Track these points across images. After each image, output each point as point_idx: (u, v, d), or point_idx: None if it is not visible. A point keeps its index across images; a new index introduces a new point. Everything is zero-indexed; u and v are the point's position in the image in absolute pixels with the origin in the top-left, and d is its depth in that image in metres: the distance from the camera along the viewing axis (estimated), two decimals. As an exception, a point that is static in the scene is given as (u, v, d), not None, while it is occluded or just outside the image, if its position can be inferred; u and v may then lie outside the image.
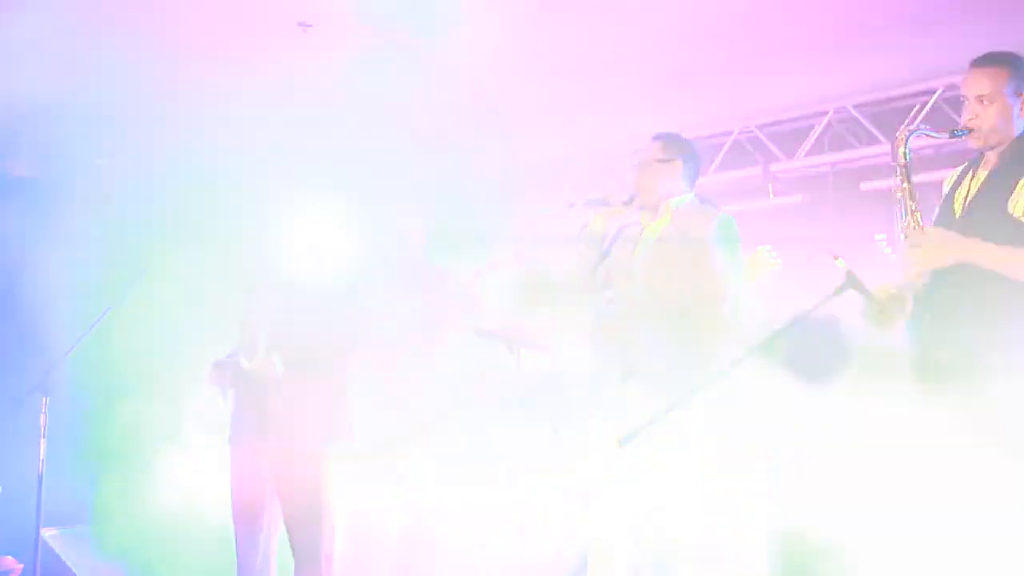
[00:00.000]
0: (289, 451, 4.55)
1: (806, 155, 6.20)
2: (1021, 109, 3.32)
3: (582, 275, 4.08)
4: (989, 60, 3.35)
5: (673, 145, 4.08)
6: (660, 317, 3.89)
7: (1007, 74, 3.31)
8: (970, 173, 3.44)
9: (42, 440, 5.60)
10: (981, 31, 5.06)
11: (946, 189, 3.53)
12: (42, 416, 5.57)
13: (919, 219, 3.33)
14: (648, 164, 4.02)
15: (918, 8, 5.42)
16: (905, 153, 3.37)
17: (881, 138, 5.89)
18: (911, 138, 3.38)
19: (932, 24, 5.39)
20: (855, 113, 5.98)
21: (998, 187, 3.30)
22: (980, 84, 3.31)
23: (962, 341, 3.18)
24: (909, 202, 3.35)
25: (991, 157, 3.38)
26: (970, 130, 3.33)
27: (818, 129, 6.13)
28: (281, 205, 4.91)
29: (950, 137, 3.39)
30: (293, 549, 4.60)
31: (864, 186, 5.88)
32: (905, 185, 3.36)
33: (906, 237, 3.33)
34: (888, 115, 5.94)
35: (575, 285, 4.13)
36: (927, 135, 3.44)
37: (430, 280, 5.66)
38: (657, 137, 4.13)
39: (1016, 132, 3.33)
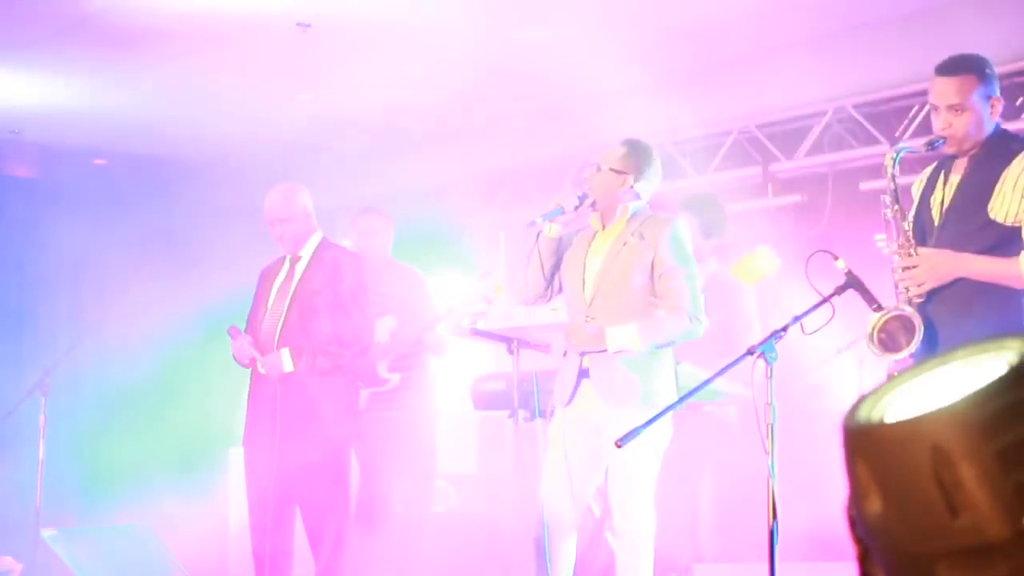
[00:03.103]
0: (304, 449, 4.56)
1: (805, 155, 6.20)
2: (991, 112, 3.33)
3: (540, 283, 4.11)
4: (956, 68, 3.33)
5: (632, 159, 4.10)
6: (614, 319, 3.94)
7: (975, 80, 3.31)
8: (942, 177, 3.43)
9: (41, 440, 5.61)
10: (981, 30, 5.06)
11: (916, 192, 3.52)
12: (41, 416, 5.58)
13: (911, 238, 3.33)
14: (602, 172, 4.06)
15: (917, 7, 5.43)
16: (894, 176, 3.36)
17: (880, 138, 5.89)
18: (898, 158, 3.36)
19: (931, 23, 5.39)
20: (855, 113, 5.98)
21: (974, 192, 3.31)
22: (949, 93, 3.30)
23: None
24: (901, 223, 3.34)
25: (962, 161, 3.38)
26: (944, 138, 3.33)
27: (817, 129, 6.13)
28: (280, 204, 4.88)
29: (929, 149, 3.38)
30: (312, 542, 4.63)
31: (863, 186, 5.87)
32: (896, 207, 3.35)
33: (899, 259, 3.32)
34: (887, 115, 5.93)
35: (527, 299, 4.17)
36: (908, 151, 3.43)
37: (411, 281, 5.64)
38: (624, 143, 4.15)
39: (987, 134, 3.34)
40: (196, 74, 6.24)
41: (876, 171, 5.89)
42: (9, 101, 6.71)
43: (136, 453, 7.53)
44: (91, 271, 7.72)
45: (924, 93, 5.70)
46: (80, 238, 7.73)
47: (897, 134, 5.80)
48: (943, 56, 3.41)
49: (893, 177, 3.35)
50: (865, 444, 0.88)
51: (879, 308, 3.35)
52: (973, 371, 0.91)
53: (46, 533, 5.63)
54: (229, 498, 6.68)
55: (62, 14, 5.38)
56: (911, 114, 5.77)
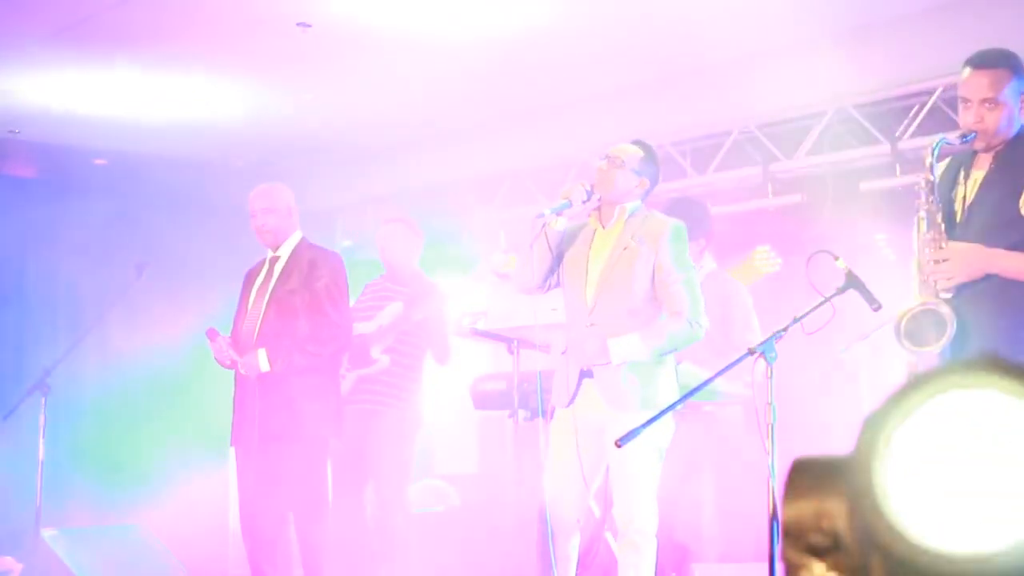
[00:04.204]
0: (284, 448, 4.57)
1: (806, 155, 6.20)
2: (1022, 108, 3.31)
3: (543, 271, 4.11)
4: (991, 61, 3.29)
5: (648, 163, 4.12)
6: (616, 324, 3.95)
7: (1009, 75, 3.26)
8: (962, 173, 3.39)
9: (41, 440, 5.60)
10: (981, 30, 5.06)
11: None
12: (42, 416, 5.57)
13: (943, 231, 3.28)
14: (622, 168, 4.05)
15: (917, 7, 5.43)
16: (932, 166, 3.29)
17: (880, 138, 5.89)
18: (938, 150, 3.28)
19: (931, 23, 5.39)
20: (855, 113, 5.98)
21: (1001, 189, 3.27)
22: (983, 87, 3.25)
23: (990, 349, 3.16)
24: (935, 216, 3.28)
25: (986, 157, 3.34)
26: (975, 132, 3.28)
27: (817, 129, 6.13)
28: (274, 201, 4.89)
29: (962, 143, 3.31)
30: (299, 540, 4.64)
31: (864, 186, 5.87)
32: (931, 198, 3.29)
33: (930, 252, 3.27)
34: (888, 115, 5.93)
35: (528, 286, 4.16)
36: (946, 144, 3.32)
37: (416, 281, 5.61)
38: (640, 145, 4.15)
39: (1015, 131, 3.31)
40: (196, 74, 6.24)
41: (876, 171, 5.89)
42: (9, 101, 6.71)
43: (136, 453, 7.52)
44: (91, 271, 7.71)
45: (924, 93, 5.72)
46: (80, 238, 7.72)
47: (897, 134, 5.80)
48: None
49: (931, 168, 3.30)
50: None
51: (879, 308, 3.34)
52: (972, 413, 0.79)
53: (46, 533, 5.63)
54: (229, 498, 6.68)
55: (63, 14, 5.38)
56: (911, 114, 5.77)
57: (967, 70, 3.31)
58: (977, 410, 0.80)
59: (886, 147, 5.83)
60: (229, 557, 6.70)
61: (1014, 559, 0.74)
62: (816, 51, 5.80)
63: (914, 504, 0.79)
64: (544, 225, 4.06)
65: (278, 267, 4.80)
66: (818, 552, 0.87)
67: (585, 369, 4.00)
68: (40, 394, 5.55)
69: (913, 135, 5.68)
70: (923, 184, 3.31)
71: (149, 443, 7.59)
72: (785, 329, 3.45)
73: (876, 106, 5.94)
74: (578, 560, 4.13)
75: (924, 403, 0.81)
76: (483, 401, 5.31)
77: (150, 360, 7.57)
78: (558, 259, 4.13)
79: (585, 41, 5.82)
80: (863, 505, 0.80)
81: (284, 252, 4.82)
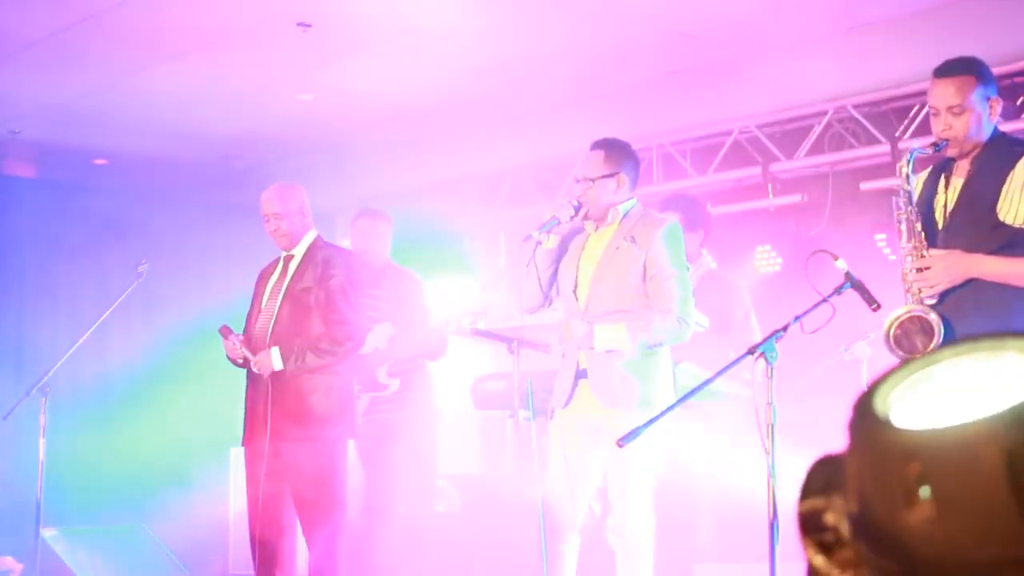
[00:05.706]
0: (296, 447, 4.56)
1: (806, 155, 6.20)
2: (990, 113, 3.33)
3: (538, 294, 4.14)
4: (954, 70, 3.34)
5: (615, 157, 4.09)
6: (606, 318, 3.95)
7: (974, 81, 3.31)
8: (942, 180, 3.43)
9: (42, 440, 5.61)
10: (981, 30, 5.06)
11: (914, 196, 3.52)
12: (42, 416, 5.57)
13: (924, 239, 3.33)
14: (593, 180, 4.05)
15: (917, 7, 5.43)
16: (908, 176, 3.35)
17: (881, 138, 5.89)
18: (912, 160, 3.35)
19: (931, 23, 5.39)
20: (855, 113, 5.98)
21: (980, 194, 3.31)
22: (948, 95, 3.31)
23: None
24: (915, 224, 3.34)
25: (963, 163, 3.38)
26: (946, 140, 3.33)
27: (818, 129, 6.13)
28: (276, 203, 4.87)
29: (936, 151, 3.37)
30: (307, 538, 4.63)
31: (864, 186, 5.87)
32: (909, 208, 3.34)
33: (912, 260, 3.32)
34: (888, 115, 5.94)
35: (529, 308, 4.19)
36: (920, 153, 3.40)
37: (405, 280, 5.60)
38: (597, 146, 4.13)
39: (987, 136, 3.34)
40: (196, 74, 6.24)
41: (876, 171, 5.90)
42: (9, 101, 6.71)
43: (136, 452, 7.52)
44: (91, 271, 7.72)
45: (925, 93, 5.72)
46: (80, 238, 7.72)
47: (897, 134, 5.80)
48: (943, 56, 3.41)
49: (907, 178, 3.35)
50: (916, 449, 0.83)
51: (878, 308, 3.35)
52: (1004, 366, 0.87)
53: (46, 533, 5.63)
54: (229, 498, 6.68)
55: (63, 14, 5.38)
56: (911, 114, 5.78)
57: (933, 80, 3.37)
58: (988, 363, 0.88)
59: (886, 147, 5.84)
60: (229, 557, 6.70)
61: (985, 427, 0.80)
62: (816, 51, 5.81)
63: (892, 396, 0.88)
64: (537, 245, 4.06)
65: (292, 265, 4.77)
66: (826, 548, 0.91)
67: (581, 369, 4.00)
68: (40, 394, 5.55)
69: (913, 135, 5.69)
70: (900, 194, 3.35)
71: (149, 443, 7.58)
72: (785, 329, 3.45)
73: (876, 106, 5.95)
74: (578, 560, 4.13)
75: (939, 359, 0.90)
76: (483, 401, 5.31)
77: (150, 360, 7.57)
78: (556, 274, 4.15)
79: (586, 41, 5.82)
80: (857, 411, 0.87)
81: (299, 251, 4.79)
